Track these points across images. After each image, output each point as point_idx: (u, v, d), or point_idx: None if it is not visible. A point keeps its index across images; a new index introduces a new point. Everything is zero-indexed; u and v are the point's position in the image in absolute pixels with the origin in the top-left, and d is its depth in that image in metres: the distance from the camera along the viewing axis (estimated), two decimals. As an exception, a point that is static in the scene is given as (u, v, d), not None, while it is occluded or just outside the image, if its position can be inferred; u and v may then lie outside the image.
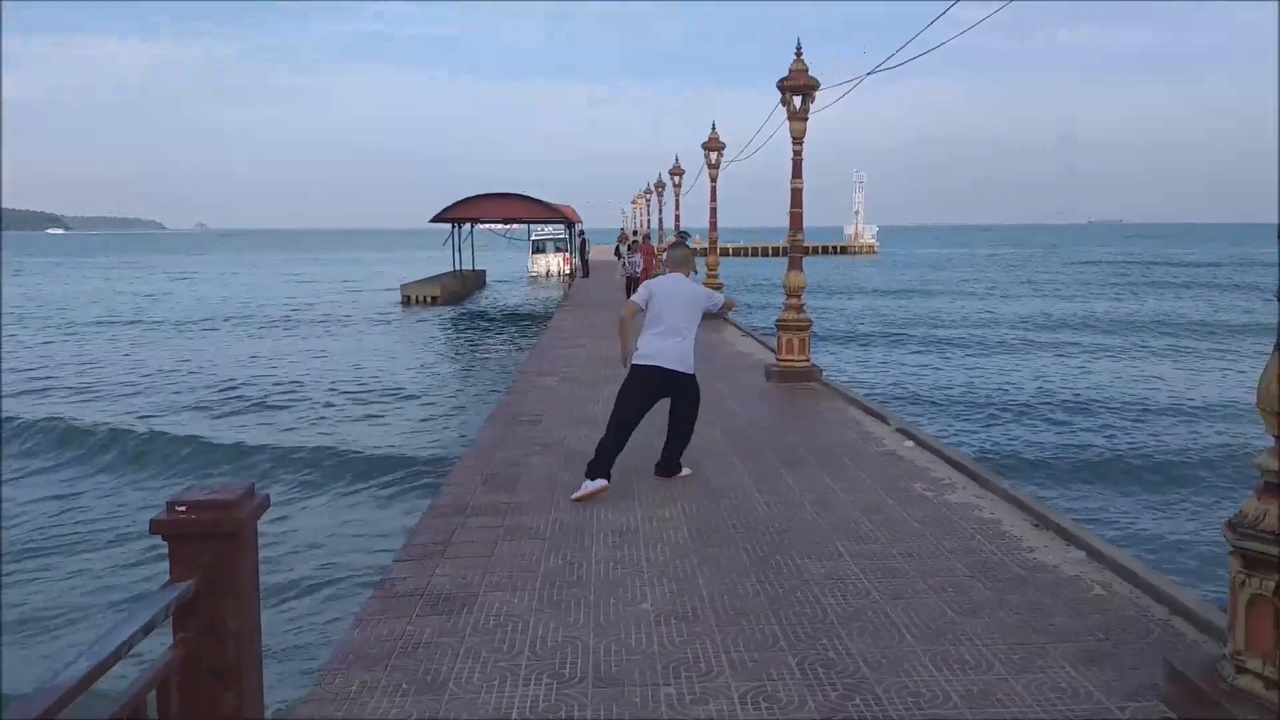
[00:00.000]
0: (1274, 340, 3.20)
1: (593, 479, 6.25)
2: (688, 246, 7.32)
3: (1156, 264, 76.28)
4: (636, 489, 6.59)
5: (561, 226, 48.77)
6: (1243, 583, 3.21)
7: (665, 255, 6.94)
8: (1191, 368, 21.89)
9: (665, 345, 6.46)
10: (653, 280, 6.66)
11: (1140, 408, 16.71)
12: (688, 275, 6.81)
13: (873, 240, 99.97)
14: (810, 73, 11.04)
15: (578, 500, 6.19)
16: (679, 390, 6.59)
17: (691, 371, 6.59)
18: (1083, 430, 14.90)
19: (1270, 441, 3.22)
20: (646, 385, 6.50)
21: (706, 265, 20.96)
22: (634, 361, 6.52)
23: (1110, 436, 14.46)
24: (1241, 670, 3.20)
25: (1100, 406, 16.75)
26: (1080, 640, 4.04)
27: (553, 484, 6.68)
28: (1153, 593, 4.50)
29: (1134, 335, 28.28)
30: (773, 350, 12.63)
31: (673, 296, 6.51)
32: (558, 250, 53.88)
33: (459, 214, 40.26)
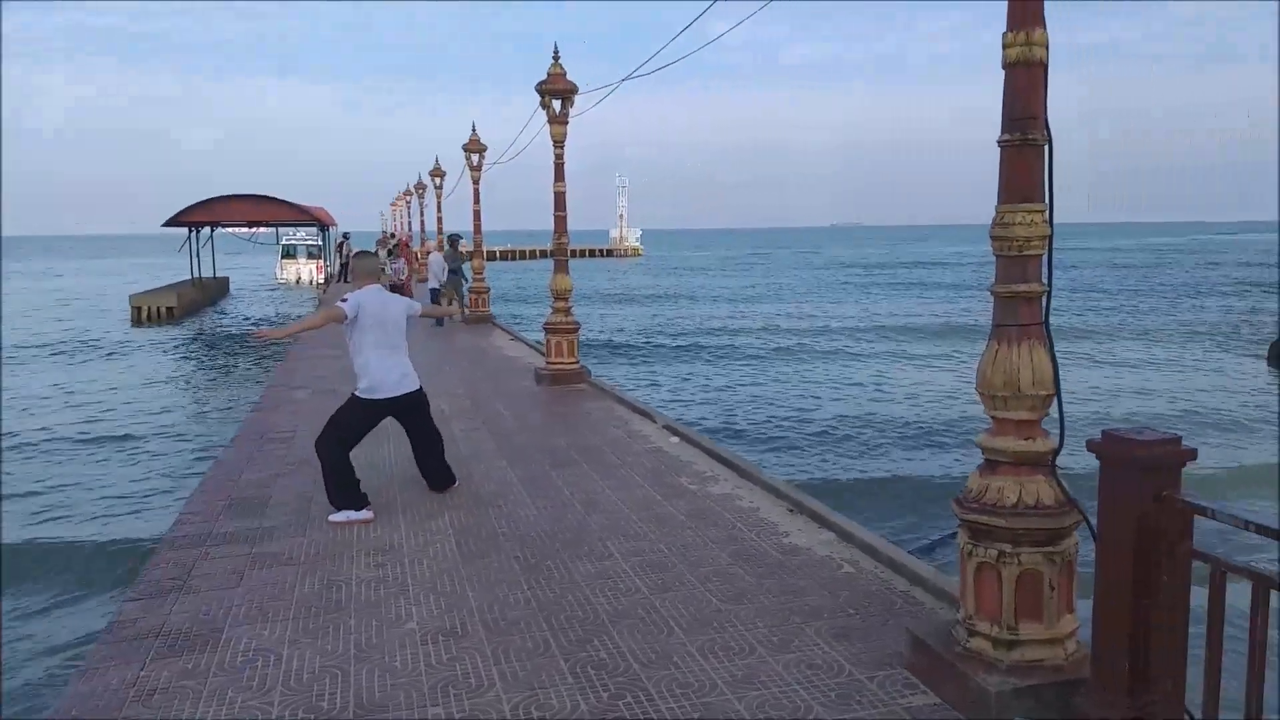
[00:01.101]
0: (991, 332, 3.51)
1: (357, 509, 5.90)
2: (374, 254, 6.86)
3: (895, 265, 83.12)
4: (400, 501, 6.32)
5: (315, 230, 46.32)
6: (970, 552, 3.49)
7: (352, 266, 6.39)
8: (928, 364, 23.84)
9: (390, 367, 6.07)
10: (358, 294, 6.08)
11: (882, 403, 18.10)
12: (383, 285, 6.40)
13: (637, 244, 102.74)
14: (569, 77, 11.11)
15: (336, 523, 5.83)
16: (413, 407, 6.28)
17: (419, 385, 6.30)
18: (830, 428, 15.88)
19: (990, 423, 3.53)
20: (379, 416, 6.17)
21: (472, 269, 20.57)
22: (364, 395, 6.04)
23: (858, 432, 15.52)
24: (973, 633, 3.48)
25: (846, 405, 17.96)
26: (833, 617, 4.27)
27: (306, 505, 6.26)
28: (894, 566, 4.85)
29: (873, 335, 30.61)
30: (542, 354, 12.60)
31: (383, 312, 6.10)
32: (310, 256, 51.04)
33: (198, 217, 37.20)
